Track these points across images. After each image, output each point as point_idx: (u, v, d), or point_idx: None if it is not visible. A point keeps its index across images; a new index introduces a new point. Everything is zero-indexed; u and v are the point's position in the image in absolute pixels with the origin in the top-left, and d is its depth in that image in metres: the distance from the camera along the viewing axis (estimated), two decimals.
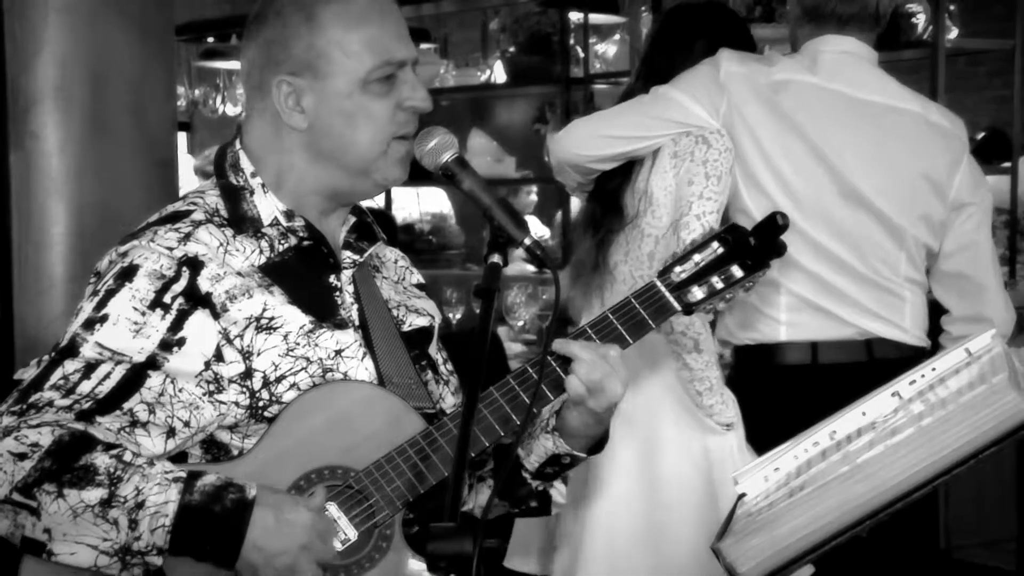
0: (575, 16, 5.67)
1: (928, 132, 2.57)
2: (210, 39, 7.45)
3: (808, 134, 2.53)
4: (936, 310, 2.72)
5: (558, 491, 1.81)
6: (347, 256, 1.74)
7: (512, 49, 5.86)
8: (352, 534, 1.62)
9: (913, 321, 2.56)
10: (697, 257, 1.65)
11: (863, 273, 2.53)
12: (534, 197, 7.00)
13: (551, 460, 1.73)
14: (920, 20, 4.73)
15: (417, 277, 1.90)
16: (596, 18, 5.87)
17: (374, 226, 1.81)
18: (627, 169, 2.74)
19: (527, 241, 1.58)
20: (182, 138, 8.98)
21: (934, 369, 1.69)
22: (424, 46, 6.22)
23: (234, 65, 7.17)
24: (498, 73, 6.05)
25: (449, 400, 1.81)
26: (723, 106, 2.55)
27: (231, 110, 7.51)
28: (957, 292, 2.62)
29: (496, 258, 1.56)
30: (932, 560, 2.65)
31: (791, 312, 2.55)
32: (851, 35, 2.59)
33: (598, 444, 1.73)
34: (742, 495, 1.72)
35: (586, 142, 2.68)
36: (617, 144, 2.67)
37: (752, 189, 2.57)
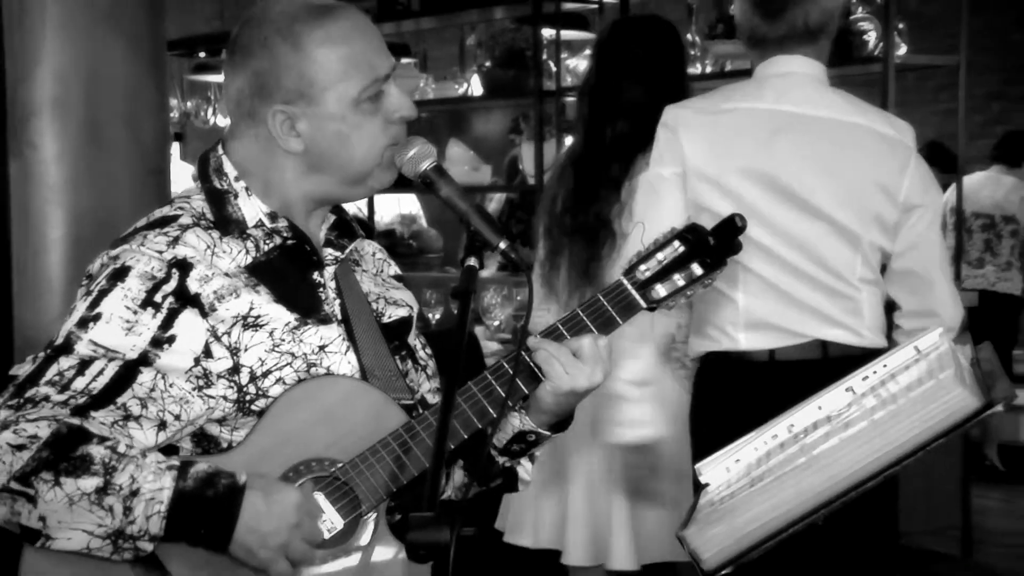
0: (548, 32, 5.67)
1: (875, 142, 2.56)
2: (201, 54, 7.42)
3: (760, 157, 2.52)
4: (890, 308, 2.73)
5: (524, 468, 1.81)
6: (328, 253, 1.73)
7: (488, 64, 5.86)
8: (339, 522, 1.61)
9: (871, 319, 2.56)
10: (660, 256, 1.64)
11: (822, 280, 2.53)
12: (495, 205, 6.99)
13: (517, 437, 1.72)
14: (871, 37, 4.76)
15: (394, 268, 1.89)
16: (567, 34, 5.88)
17: (353, 223, 1.80)
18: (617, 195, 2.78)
19: (502, 245, 1.58)
20: (175, 148, 8.94)
21: (885, 366, 1.70)
22: (404, 61, 6.22)
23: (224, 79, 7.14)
24: (475, 86, 6.05)
25: (426, 385, 1.80)
26: (679, 163, 2.54)
27: (222, 121, 7.49)
28: (907, 289, 2.62)
29: (472, 261, 1.55)
30: (890, 548, 2.64)
31: (749, 331, 2.54)
32: (795, 53, 2.56)
33: (562, 424, 1.73)
34: (705, 485, 1.72)
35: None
36: None
37: (711, 219, 2.54)
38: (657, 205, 2.58)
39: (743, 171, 2.52)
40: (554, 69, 5.65)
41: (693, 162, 2.53)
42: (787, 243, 2.52)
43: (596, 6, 5.73)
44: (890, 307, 2.68)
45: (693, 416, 2.63)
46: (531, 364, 1.62)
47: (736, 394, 2.52)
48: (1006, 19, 7.74)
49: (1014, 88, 7.93)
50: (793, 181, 2.51)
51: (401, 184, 1.71)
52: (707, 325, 2.58)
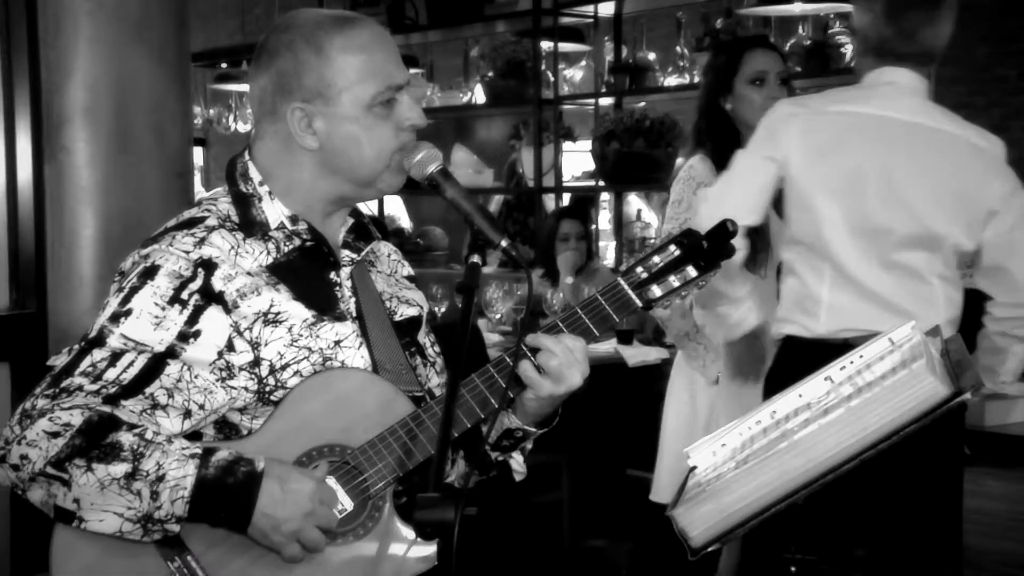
0: (546, 45, 5.67)
1: (966, 151, 2.60)
2: (223, 64, 7.42)
3: (859, 157, 2.58)
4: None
5: (516, 461, 1.81)
6: (346, 255, 1.73)
7: (490, 74, 5.86)
8: (349, 504, 1.60)
9: (945, 313, 2.59)
10: (656, 259, 1.63)
11: (903, 278, 2.57)
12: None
13: (506, 434, 1.72)
14: (848, 50, 4.75)
15: (407, 270, 1.88)
16: (565, 47, 5.88)
17: (370, 227, 1.80)
18: None
19: (503, 243, 1.57)
20: (198, 152, 8.94)
21: (861, 356, 1.69)
22: (412, 71, 6.21)
23: (245, 87, 7.13)
24: (478, 95, 6.05)
25: (435, 380, 1.79)
26: (779, 151, 2.61)
27: (242, 128, 7.49)
28: (998, 283, 2.66)
29: (476, 258, 1.55)
30: (954, 558, 2.71)
31: (829, 323, 2.60)
32: (906, 67, 2.63)
33: (547, 420, 1.73)
34: (693, 467, 1.71)
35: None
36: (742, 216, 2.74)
37: (807, 212, 2.62)
38: (732, 184, 2.66)
39: (843, 169, 2.56)
40: (552, 79, 5.65)
41: (796, 157, 2.59)
42: (875, 240, 2.57)
43: (591, 21, 5.72)
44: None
45: (767, 390, 2.67)
46: (530, 359, 1.61)
47: (810, 372, 2.55)
48: (971, 35, 7.72)
49: (978, 98, 7.92)
50: (890, 182, 2.56)
51: (409, 186, 1.70)
52: (791, 313, 2.65)
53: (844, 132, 2.59)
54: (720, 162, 3.11)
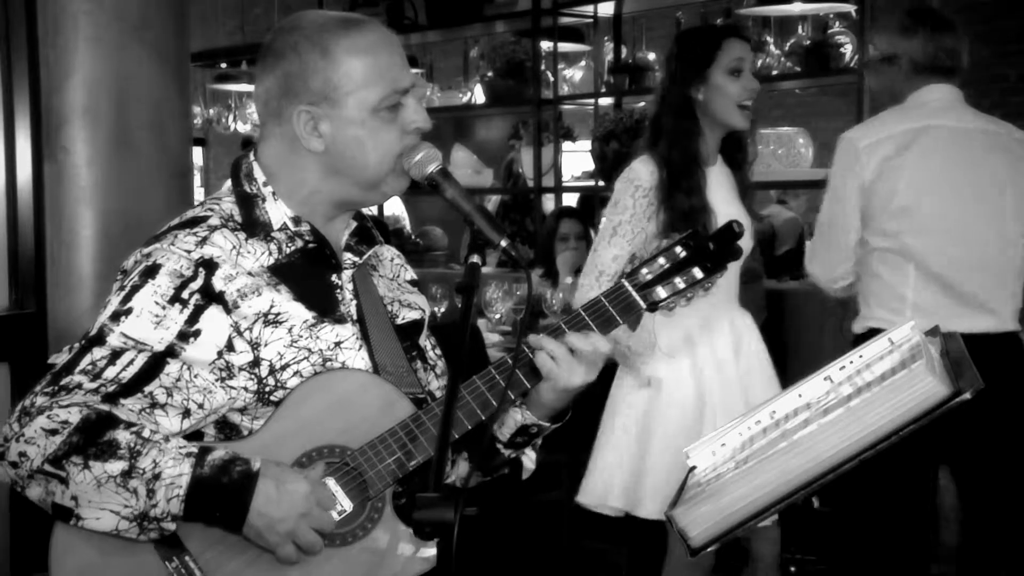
0: (546, 45, 5.68)
1: (1016, 146, 2.89)
2: (223, 64, 7.41)
3: (933, 163, 2.83)
4: None
5: (528, 458, 1.80)
6: (348, 257, 1.72)
7: (490, 74, 5.86)
8: (348, 506, 1.60)
9: (1013, 300, 2.82)
10: (662, 260, 1.63)
11: (983, 273, 2.78)
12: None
13: (520, 430, 1.72)
14: (848, 50, 4.75)
15: (410, 274, 1.88)
16: (564, 47, 5.88)
17: (373, 230, 1.79)
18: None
19: (503, 243, 1.56)
20: (197, 152, 8.94)
21: (861, 356, 1.69)
22: (412, 71, 6.21)
23: (244, 87, 7.13)
24: (478, 95, 6.05)
25: (435, 383, 1.79)
26: (863, 173, 2.84)
27: (242, 128, 7.48)
28: None
29: (475, 258, 1.55)
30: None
31: (914, 319, 2.66)
32: (947, 83, 2.92)
33: (560, 415, 1.73)
34: (693, 467, 1.71)
35: (829, 270, 2.99)
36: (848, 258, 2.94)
37: (888, 216, 2.84)
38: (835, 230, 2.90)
39: (918, 174, 2.80)
40: (552, 79, 5.65)
41: (874, 174, 2.82)
42: (960, 240, 2.78)
43: (591, 20, 5.72)
44: None
45: None
46: (532, 359, 1.61)
47: None
48: (971, 36, 7.72)
49: (978, 99, 7.93)
50: (963, 182, 2.80)
51: (408, 186, 1.70)
52: (875, 308, 2.86)
53: (914, 143, 2.83)
54: (671, 164, 2.91)
